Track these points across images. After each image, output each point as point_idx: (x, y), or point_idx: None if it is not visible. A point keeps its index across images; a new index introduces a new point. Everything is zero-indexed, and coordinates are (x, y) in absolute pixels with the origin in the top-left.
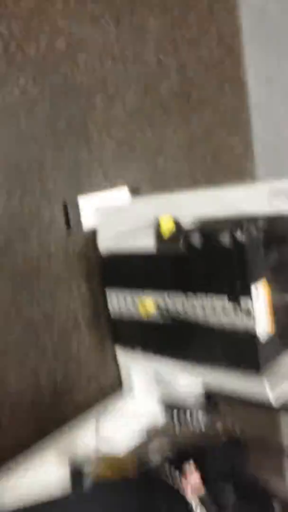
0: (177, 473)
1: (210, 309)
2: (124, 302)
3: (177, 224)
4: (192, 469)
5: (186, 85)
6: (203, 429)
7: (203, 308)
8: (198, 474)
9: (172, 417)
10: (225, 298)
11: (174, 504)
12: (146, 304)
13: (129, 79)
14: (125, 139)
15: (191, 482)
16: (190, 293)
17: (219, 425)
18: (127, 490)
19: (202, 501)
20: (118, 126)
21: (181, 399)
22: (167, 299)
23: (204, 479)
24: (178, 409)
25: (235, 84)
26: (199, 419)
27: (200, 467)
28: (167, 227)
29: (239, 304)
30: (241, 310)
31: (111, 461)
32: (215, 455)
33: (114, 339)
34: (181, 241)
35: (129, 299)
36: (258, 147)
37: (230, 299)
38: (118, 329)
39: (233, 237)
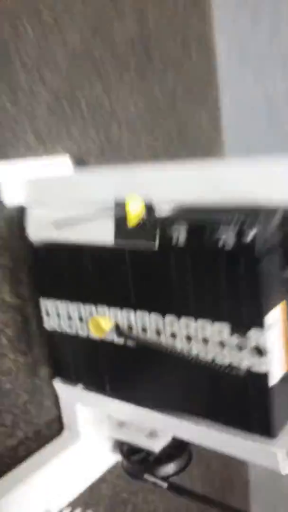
0: None
1: (199, 340)
2: (66, 318)
3: (150, 209)
4: None
5: (145, 37)
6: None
7: (188, 338)
8: None
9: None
10: (227, 326)
11: None
12: (100, 322)
13: (73, 9)
14: (66, 89)
15: None
16: (168, 314)
17: None
18: None
19: None
20: (57, 70)
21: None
22: (131, 318)
23: None
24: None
25: (203, 45)
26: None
27: None
28: (135, 213)
29: (244, 337)
30: (247, 346)
31: None
32: None
33: (52, 369)
34: (156, 233)
35: (75, 312)
36: (226, 120)
37: (233, 330)
38: (57, 355)
39: (239, 238)
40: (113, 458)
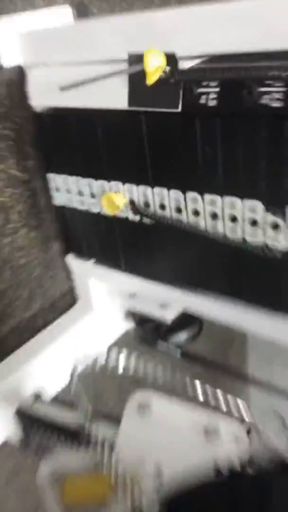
0: None
1: (227, 219)
2: (77, 194)
3: (172, 61)
4: None
5: None
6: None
7: (214, 216)
8: None
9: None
10: (259, 205)
11: None
12: (113, 198)
13: None
14: None
15: None
16: (192, 191)
17: None
18: None
19: None
20: None
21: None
22: (148, 195)
23: None
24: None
25: None
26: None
27: None
28: (154, 67)
29: (283, 217)
30: (285, 225)
31: (80, 484)
32: None
33: (64, 245)
34: (179, 91)
35: (85, 189)
36: None
37: (268, 209)
38: (69, 231)
39: (286, 97)
40: (125, 326)
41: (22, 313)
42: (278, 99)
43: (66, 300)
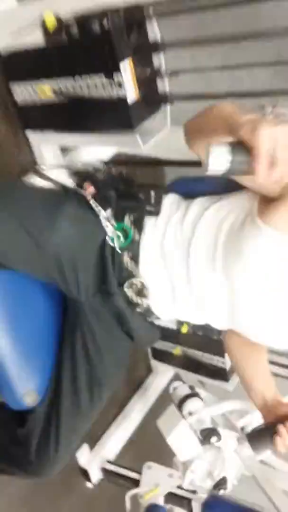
0: (81, 191)
1: (92, 86)
2: (26, 92)
3: (58, 19)
4: (89, 184)
5: None
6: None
7: (87, 87)
8: (93, 188)
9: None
10: (102, 76)
11: (81, 206)
12: (45, 89)
13: None
14: None
15: (89, 190)
16: (76, 77)
17: (113, 170)
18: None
19: (95, 199)
20: None
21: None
22: (60, 84)
23: (97, 190)
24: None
25: None
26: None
27: (95, 185)
28: (51, 23)
29: (112, 79)
30: (115, 83)
31: None
32: (107, 181)
33: (24, 124)
34: (63, 33)
35: (30, 88)
36: None
37: (106, 76)
38: (26, 115)
39: (101, 25)
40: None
41: None
42: (98, 28)
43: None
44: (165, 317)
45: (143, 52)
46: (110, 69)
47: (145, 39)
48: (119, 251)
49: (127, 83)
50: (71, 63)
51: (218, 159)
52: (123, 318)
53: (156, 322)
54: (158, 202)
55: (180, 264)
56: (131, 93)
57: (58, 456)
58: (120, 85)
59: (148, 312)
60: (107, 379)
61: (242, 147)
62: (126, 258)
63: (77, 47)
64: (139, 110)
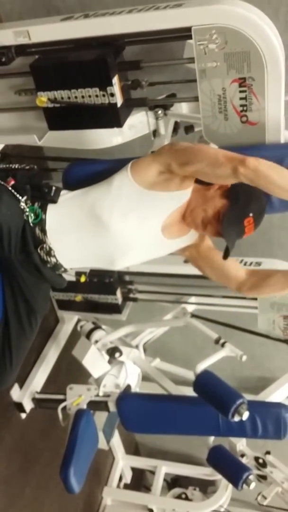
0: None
1: (87, 96)
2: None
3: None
4: (11, 179)
5: None
6: None
7: (83, 96)
8: (14, 181)
9: None
10: (97, 88)
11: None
12: (42, 99)
13: None
14: None
15: (11, 183)
16: (73, 89)
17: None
18: None
19: (15, 189)
20: None
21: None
22: (56, 94)
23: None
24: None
25: None
26: None
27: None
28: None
29: (106, 90)
30: (107, 94)
31: None
32: (24, 176)
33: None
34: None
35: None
36: None
37: (100, 89)
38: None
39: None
40: None
41: None
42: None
43: None
44: (72, 266)
45: (123, 69)
46: (104, 83)
47: (123, 59)
48: (32, 226)
49: (116, 92)
50: (71, 79)
51: None
52: (39, 270)
53: (63, 274)
54: (57, 194)
55: (74, 229)
56: (119, 100)
57: (12, 369)
58: (112, 95)
59: (55, 266)
60: (39, 309)
61: None
62: (37, 231)
63: (77, 69)
64: (124, 112)
